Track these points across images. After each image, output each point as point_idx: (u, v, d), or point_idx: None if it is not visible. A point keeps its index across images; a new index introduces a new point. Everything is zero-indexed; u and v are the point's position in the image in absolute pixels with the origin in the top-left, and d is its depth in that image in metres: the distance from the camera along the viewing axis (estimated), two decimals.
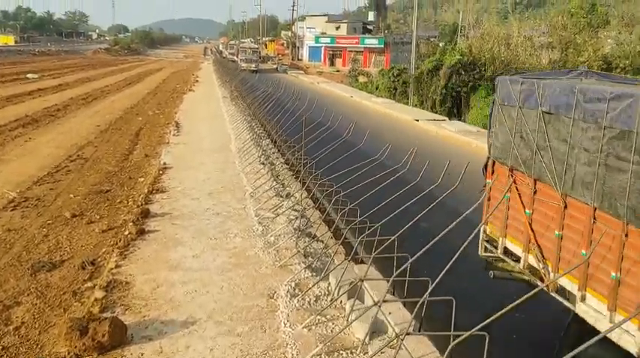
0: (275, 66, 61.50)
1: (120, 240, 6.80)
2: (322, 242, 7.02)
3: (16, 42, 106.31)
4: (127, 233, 6.94)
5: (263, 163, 11.52)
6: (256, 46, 54.23)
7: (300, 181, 8.83)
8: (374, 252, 5.03)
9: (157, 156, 12.70)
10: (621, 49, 29.99)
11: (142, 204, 8.24)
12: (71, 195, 9.35)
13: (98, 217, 8.19)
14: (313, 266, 6.20)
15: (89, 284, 5.76)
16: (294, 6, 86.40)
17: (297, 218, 7.62)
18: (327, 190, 7.93)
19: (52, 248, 6.97)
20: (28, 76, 35.18)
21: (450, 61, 30.44)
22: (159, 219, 7.70)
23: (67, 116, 19.01)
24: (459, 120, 27.51)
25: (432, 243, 4.28)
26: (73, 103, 22.58)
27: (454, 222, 4.35)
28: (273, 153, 12.11)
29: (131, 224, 7.28)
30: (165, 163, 11.34)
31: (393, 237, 5.07)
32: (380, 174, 6.80)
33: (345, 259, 5.48)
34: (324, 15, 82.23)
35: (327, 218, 7.93)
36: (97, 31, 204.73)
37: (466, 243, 4.16)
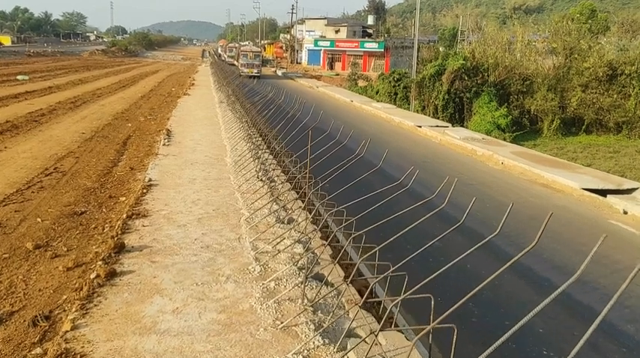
0: (274, 69, 60.24)
1: (83, 286, 5.51)
2: (333, 287, 5.75)
3: (12, 42, 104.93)
4: (93, 276, 5.64)
5: (262, 180, 10.24)
6: (258, 49, 50.54)
7: (305, 207, 7.54)
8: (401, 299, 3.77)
9: (143, 170, 11.41)
10: (626, 55, 29.14)
11: (117, 235, 6.94)
12: (39, 219, 8.05)
13: (65, 249, 6.90)
14: (324, 322, 4.93)
15: (38, 350, 4.47)
16: (293, 9, 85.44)
17: (302, 255, 6.36)
18: (336, 215, 6.65)
19: (3, 293, 5.67)
20: (18, 77, 33.84)
21: (453, 65, 29.75)
22: (135, 254, 6.40)
23: (51, 122, 17.69)
24: (461, 126, 26.79)
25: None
26: (61, 107, 21.27)
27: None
28: (274, 169, 10.80)
29: (100, 263, 5.99)
30: (150, 179, 10.03)
31: (424, 293, 3.82)
32: (390, 189, 5.54)
33: (372, 333, 4.16)
34: (324, 18, 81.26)
35: (334, 245, 6.66)
36: (95, 32, 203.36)
37: None
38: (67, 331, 4.56)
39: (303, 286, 5.37)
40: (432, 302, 4.35)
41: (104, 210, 8.77)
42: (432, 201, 5.33)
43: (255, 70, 42.18)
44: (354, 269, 4.75)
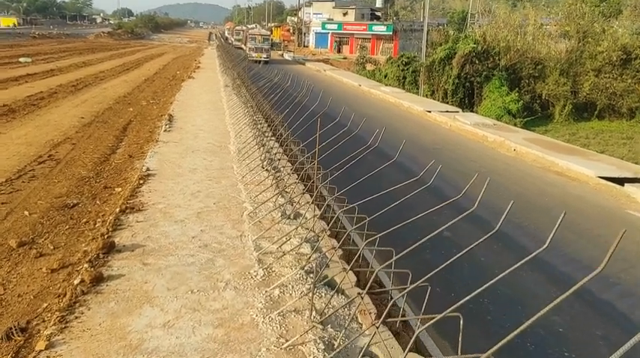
0: (281, 53, 59.12)
1: (67, 292, 4.93)
2: (346, 296, 5.14)
3: (18, 24, 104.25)
4: (76, 281, 5.06)
5: (267, 170, 9.61)
6: (267, 33, 47.66)
7: (313, 201, 6.90)
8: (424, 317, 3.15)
9: (142, 158, 10.80)
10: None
11: (107, 232, 6.35)
12: (26, 212, 7.47)
13: (51, 248, 6.31)
14: (336, 341, 4.33)
15: None
16: None
17: (309, 258, 5.75)
18: (347, 211, 6.04)
19: None
20: (20, 59, 33.18)
21: (464, 49, 29.09)
22: (126, 255, 5.80)
23: (50, 105, 17.08)
24: (471, 111, 26.29)
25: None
26: (61, 91, 20.63)
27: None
28: (279, 158, 10.14)
29: (86, 265, 5.40)
30: (148, 169, 9.42)
31: (453, 309, 3.21)
32: (408, 186, 4.90)
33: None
34: (332, 0, 79.88)
35: (346, 248, 6.06)
36: (102, 14, 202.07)
37: None
38: (41, 350, 3.98)
39: (311, 296, 4.75)
40: (462, 322, 3.75)
41: (98, 202, 8.18)
42: (452, 198, 4.72)
43: (264, 55, 40.32)
44: (371, 279, 4.12)
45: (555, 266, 7.29)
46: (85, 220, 7.32)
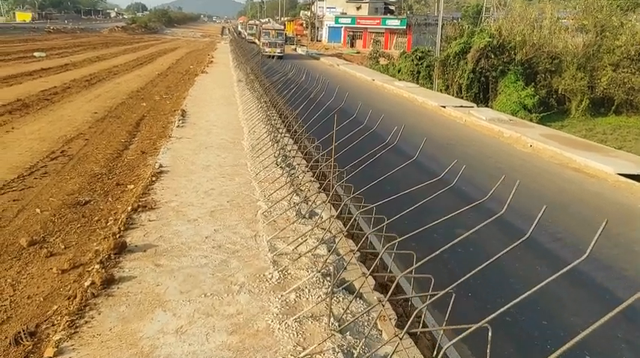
0: (294, 47, 58.80)
1: (77, 295, 4.78)
2: (365, 303, 4.93)
3: (33, 19, 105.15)
4: (87, 283, 4.91)
5: (281, 167, 9.42)
6: (281, 27, 46.31)
7: (329, 200, 6.69)
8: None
9: (155, 154, 10.67)
10: None
11: (119, 232, 6.20)
12: (38, 210, 7.36)
13: (62, 247, 6.18)
14: (356, 350, 4.13)
15: None
16: None
17: (326, 260, 5.54)
18: (364, 210, 5.82)
19: None
20: (35, 54, 33.33)
21: (479, 43, 28.79)
22: (138, 255, 5.65)
23: (64, 100, 17.04)
24: (486, 106, 26.04)
25: None
26: (75, 85, 20.61)
27: None
28: (294, 156, 9.92)
29: (97, 266, 5.25)
30: (161, 166, 9.28)
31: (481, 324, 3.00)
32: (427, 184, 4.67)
33: None
34: None
35: (365, 251, 5.85)
36: (116, 9, 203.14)
37: None
38: (50, 357, 3.83)
39: (329, 302, 4.55)
40: (490, 333, 3.52)
41: (110, 199, 8.04)
42: (471, 195, 4.47)
43: (278, 50, 39.45)
44: (393, 286, 3.91)
45: (579, 268, 7.03)
46: (96, 218, 7.19)
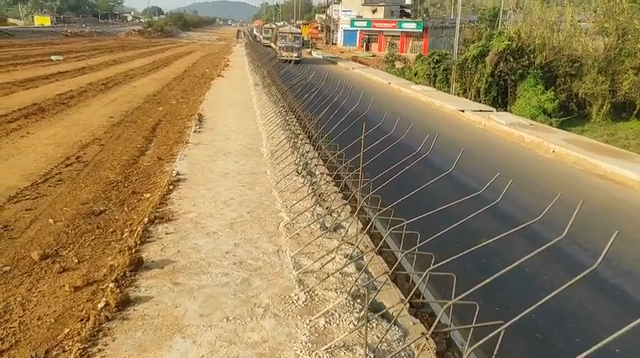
0: (309, 50, 58.52)
1: (90, 316, 4.44)
2: (400, 327, 4.52)
3: (52, 23, 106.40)
4: (101, 305, 4.57)
5: (302, 175, 9.04)
6: (299, 31, 44.34)
7: (356, 215, 6.27)
8: None
9: (171, 160, 10.37)
10: None
11: (135, 246, 5.86)
12: (51, 220, 7.07)
13: (76, 261, 5.86)
14: None
15: None
16: None
17: (356, 280, 5.14)
18: (394, 224, 5.40)
19: None
20: (52, 57, 33.45)
21: (498, 46, 28.40)
22: (155, 273, 5.30)
23: (80, 104, 16.88)
24: (505, 110, 25.68)
25: None
26: (91, 89, 20.50)
27: None
28: (316, 164, 9.50)
29: (112, 285, 4.91)
30: (178, 173, 8.96)
31: None
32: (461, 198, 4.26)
33: None
34: None
35: (399, 273, 5.44)
36: (133, 13, 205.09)
37: None
38: None
39: (364, 333, 4.15)
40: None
41: (126, 209, 7.73)
42: (510, 212, 4.05)
43: (295, 54, 38.05)
44: (437, 319, 3.49)
45: (605, 278, 6.63)
46: (111, 229, 6.87)
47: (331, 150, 8.89)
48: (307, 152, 9.79)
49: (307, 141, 11.15)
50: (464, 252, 3.75)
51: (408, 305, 4.93)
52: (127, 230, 6.81)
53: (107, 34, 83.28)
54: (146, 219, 6.68)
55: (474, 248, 3.80)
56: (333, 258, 5.65)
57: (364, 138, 6.59)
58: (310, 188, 8.31)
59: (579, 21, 33.44)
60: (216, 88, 22.29)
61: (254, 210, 7.41)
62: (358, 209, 6.14)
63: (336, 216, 7.31)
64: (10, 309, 4.87)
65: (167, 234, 6.35)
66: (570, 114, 26.10)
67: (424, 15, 76.01)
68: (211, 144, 11.42)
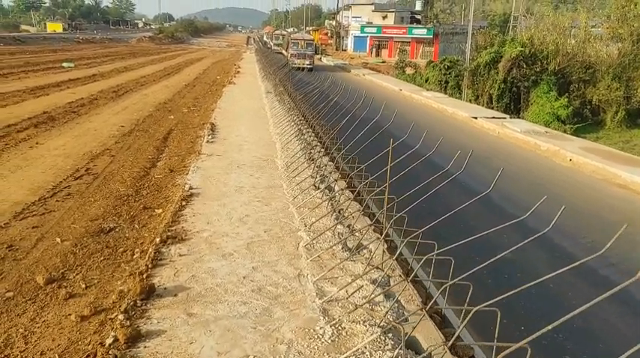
0: (319, 56, 58.23)
1: (97, 351, 4.05)
2: None
3: (64, 29, 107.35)
4: (109, 342, 4.17)
5: (321, 190, 8.63)
6: (311, 38, 42.39)
7: (382, 239, 5.84)
8: None
9: (183, 172, 10.01)
10: None
11: (147, 270, 5.48)
12: (58, 239, 6.71)
13: (83, 286, 5.48)
14: None
15: None
16: None
17: (387, 313, 4.71)
18: (431, 255, 4.97)
19: None
20: (64, 64, 33.43)
21: (511, 52, 28.09)
22: (168, 302, 4.91)
23: (91, 113, 16.63)
24: (517, 117, 25.22)
25: None
26: (102, 97, 20.28)
27: None
28: (335, 179, 9.07)
29: (121, 317, 4.52)
30: (191, 187, 8.59)
31: None
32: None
33: None
34: (371, 4, 78.91)
35: (434, 309, 5.00)
36: (144, 19, 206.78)
37: None
38: None
39: None
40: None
41: (136, 225, 7.36)
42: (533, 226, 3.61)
43: (307, 62, 36.58)
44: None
45: (634, 294, 6.22)
46: (122, 249, 6.49)
47: (349, 163, 8.48)
48: (326, 166, 9.38)
49: (323, 151, 10.75)
50: (508, 294, 3.33)
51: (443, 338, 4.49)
52: (137, 250, 6.42)
53: (118, 41, 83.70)
54: (158, 239, 6.30)
55: (522, 287, 3.37)
56: (361, 287, 5.22)
57: (384, 150, 6.20)
58: (329, 204, 7.91)
59: (593, 26, 33.10)
60: (227, 95, 22.00)
61: (271, 228, 7.01)
62: (384, 233, 5.72)
63: (358, 235, 6.90)
64: (12, 342, 4.49)
65: (180, 255, 5.96)
66: (584, 120, 25.71)
67: (435, 21, 75.67)
68: (224, 156, 11.05)
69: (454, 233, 7.31)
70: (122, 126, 14.63)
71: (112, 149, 11.95)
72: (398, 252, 5.20)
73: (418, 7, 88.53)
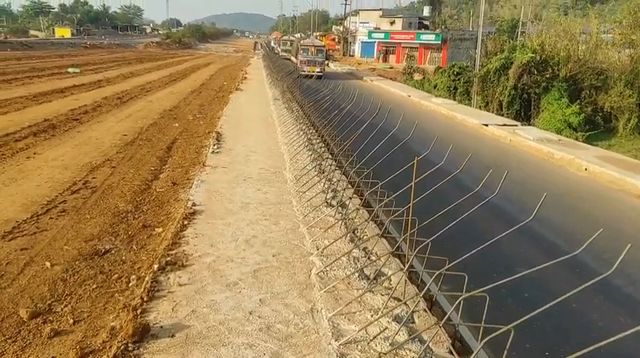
0: (327, 62, 57.72)
1: None
2: None
3: (72, 34, 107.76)
4: None
5: (332, 205, 8.03)
6: (322, 44, 40.12)
7: (406, 271, 5.23)
8: None
9: (187, 185, 9.45)
10: None
11: (142, 303, 4.89)
12: (48, 263, 6.14)
13: (71, 322, 4.89)
14: None
15: None
16: (347, 0, 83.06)
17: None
18: (467, 295, 4.35)
19: None
20: (69, 70, 33.08)
21: (522, 59, 27.66)
22: (164, 345, 4.31)
23: (93, 120, 16.13)
24: (528, 124, 24.63)
25: None
26: (106, 104, 19.81)
27: None
28: (350, 197, 8.45)
29: None
30: (194, 204, 8.01)
31: None
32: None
33: None
34: (379, 9, 78.60)
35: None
36: (151, 25, 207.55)
37: None
38: None
39: None
40: None
41: (134, 247, 6.79)
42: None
43: (318, 69, 35.07)
44: None
45: None
46: (116, 276, 5.91)
47: (363, 177, 7.88)
48: (339, 181, 8.78)
49: (333, 162, 10.13)
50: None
51: None
52: (134, 277, 5.84)
53: (126, 46, 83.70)
54: (156, 266, 5.71)
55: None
56: (384, 329, 4.61)
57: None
58: (343, 223, 7.31)
59: (604, 32, 32.63)
60: (234, 102, 21.48)
61: (280, 251, 6.41)
62: (408, 265, 5.11)
63: (375, 258, 6.30)
64: None
65: (180, 285, 5.37)
66: (596, 128, 25.23)
67: (443, 27, 75.20)
68: (230, 168, 10.49)
69: (487, 263, 6.80)
70: (125, 135, 14.11)
71: (113, 160, 11.42)
72: (425, 289, 4.59)
73: (426, 12, 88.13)
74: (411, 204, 5.25)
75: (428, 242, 4.80)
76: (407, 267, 4.93)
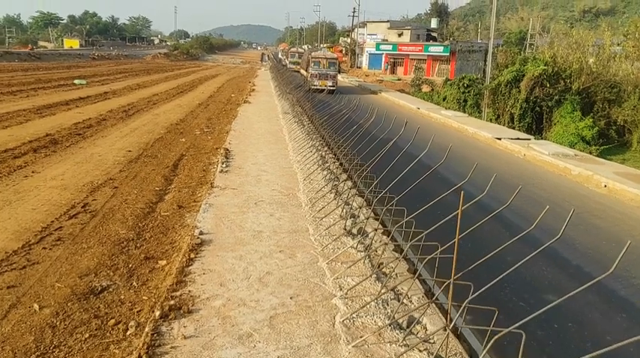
0: (339, 74, 57.13)
1: None
2: None
3: (81, 45, 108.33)
4: None
5: (357, 239, 7.28)
6: (334, 56, 37.35)
7: (448, 323, 4.47)
8: None
9: (194, 209, 8.75)
10: None
11: None
12: (36, 306, 5.41)
13: None
14: None
15: None
16: (354, 12, 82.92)
17: None
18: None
19: None
20: (75, 81, 32.67)
21: (534, 71, 27.20)
22: None
23: (97, 135, 15.51)
24: (540, 137, 24.28)
25: None
26: (111, 117, 19.23)
27: None
28: (375, 229, 7.69)
29: None
30: (201, 233, 7.29)
31: None
32: None
33: None
34: (387, 21, 78.42)
35: None
36: (159, 36, 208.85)
37: None
38: None
39: None
40: None
41: (134, 283, 6.06)
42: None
43: (330, 82, 32.88)
44: None
45: None
46: (113, 321, 5.17)
47: (384, 203, 7.11)
48: (359, 208, 8.03)
49: (351, 184, 9.40)
50: None
51: None
52: (132, 323, 5.10)
53: (133, 57, 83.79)
54: (158, 313, 4.97)
55: None
56: None
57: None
58: (367, 258, 6.56)
59: (617, 44, 32.21)
60: (242, 115, 20.85)
61: (299, 292, 5.66)
62: (449, 319, 4.35)
63: (405, 302, 5.54)
64: None
65: (185, 338, 4.62)
66: (610, 142, 24.67)
67: (451, 39, 74.86)
68: (240, 189, 9.77)
69: (515, 293, 6.08)
70: (129, 151, 13.46)
71: (115, 179, 10.74)
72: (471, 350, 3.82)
73: (434, 24, 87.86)
74: (456, 245, 4.49)
75: (468, 283, 4.09)
76: (451, 324, 4.15)
